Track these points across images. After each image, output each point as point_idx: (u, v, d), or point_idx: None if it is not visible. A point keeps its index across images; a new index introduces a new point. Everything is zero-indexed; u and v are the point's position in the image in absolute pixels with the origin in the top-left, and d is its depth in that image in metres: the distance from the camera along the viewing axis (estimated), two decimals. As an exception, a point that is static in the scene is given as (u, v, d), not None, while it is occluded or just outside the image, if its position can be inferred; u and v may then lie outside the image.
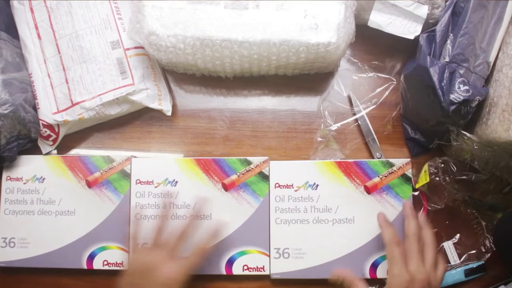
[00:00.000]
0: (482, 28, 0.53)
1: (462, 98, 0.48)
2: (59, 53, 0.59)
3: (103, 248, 0.59)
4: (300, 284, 0.59)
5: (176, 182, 0.59)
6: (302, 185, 0.58)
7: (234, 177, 0.59)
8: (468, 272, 0.60)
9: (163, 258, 0.52)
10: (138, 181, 0.60)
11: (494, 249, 0.60)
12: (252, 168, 0.59)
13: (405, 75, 0.59)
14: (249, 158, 0.59)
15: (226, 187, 0.59)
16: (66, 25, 0.59)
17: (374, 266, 0.57)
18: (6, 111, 0.54)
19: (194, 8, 0.54)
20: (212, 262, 0.58)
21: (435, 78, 0.50)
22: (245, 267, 0.58)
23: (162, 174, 0.59)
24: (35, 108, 0.60)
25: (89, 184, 0.60)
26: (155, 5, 0.54)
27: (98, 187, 0.60)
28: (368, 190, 0.58)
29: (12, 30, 0.61)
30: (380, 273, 0.57)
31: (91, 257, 0.59)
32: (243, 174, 0.59)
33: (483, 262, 0.60)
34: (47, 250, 0.59)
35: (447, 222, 0.62)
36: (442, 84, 0.50)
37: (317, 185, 0.58)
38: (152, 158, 0.62)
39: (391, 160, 0.59)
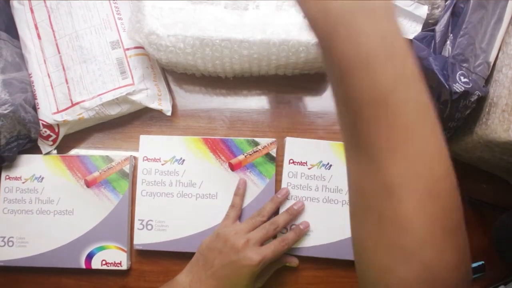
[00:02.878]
0: (482, 28, 0.53)
1: (463, 89, 0.48)
2: (59, 53, 0.60)
3: (101, 248, 0.59)
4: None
5: (183, 160, 0.60)
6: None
7: (241, 157, 0.59)
8: (468, 272, 0.59)
9: (253, 241, 0.53)
10: (145, 158, 0.60)
11: (494, 249, 0.60)
12: (260, 150, 0.60)
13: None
14: (256, 139, 0.60)
15: (232, 167, 0.59)
16: (66, 25, 0.59)
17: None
18: (6, 111, 0.54)
19: (194, 8, 0.54)
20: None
21: (436, 66, 0.50)
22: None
23: (170, 152, 0.60)
24: (35, 108, 0.60)
25: (88, 184, 0.60)
26: (155, 4, 0.54)
27: (97, 187, 0.60)
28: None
29: (12, 30, 0.61)
30: None
31: (90, 257, 0.59)
32: (250, 155, 0.59)
33: (483, 262, 0.60)
34: (46, 250, 0.59)
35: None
36: (444, 72, 0.50)
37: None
38: (160, 136, 0.62)
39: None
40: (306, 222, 0.58)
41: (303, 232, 0.57)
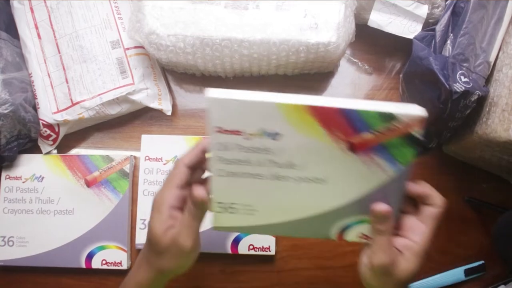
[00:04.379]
0: (482, 28, 0.53)
1: (463, 88, 0.48)
2: (59, 52, 0.60)
3: (101, 248, 0.59)
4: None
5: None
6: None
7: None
8: (468, 272, 0.59)
9: None
10: (147, 158, 0.61)
11: (494, 249, 0.60)
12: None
13: (404, 73, 0.59)
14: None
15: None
16: (66, 24, 0.59)
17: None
18: (6, 111, 0.54)
19: (194, 7, 0.54)
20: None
21: (436, 66, 0.50)
22: None
23: (171, 152, 0.60)
24: (35, 107, 0.60)
25: (88, 184, 0.60)
26: (155, 4, 0.54)
27: (97, 187, 0.60)
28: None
29: (12, 30, 0.61)
30: None
31: (90, 257, 0.59)
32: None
33: (483, 262, 0.60)
34: (46, 249, 0.59)
35: (446, 222, 0.62)
36: (444, 72, 0.50)
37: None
38: (161, 136, 0.62)
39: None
40: None
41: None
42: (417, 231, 0.41)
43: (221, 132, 0.39)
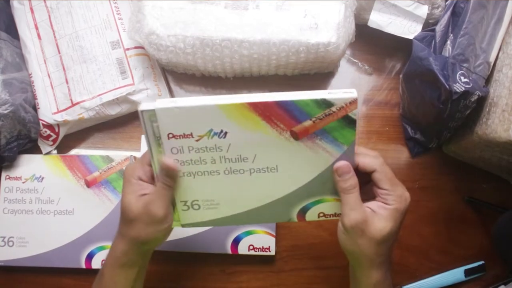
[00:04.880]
0: (482, 28, 0.53)
1: (463, 89, 0.48)
2: (59, 53, 0.60)
3: (101, 248, 0.59)
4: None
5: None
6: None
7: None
8: (468, 272, 0.59)
9: None
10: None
11: (494, 249, 0.60)
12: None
13: (404, 73, 0.59)
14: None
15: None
16: (66, 25, 0.59)
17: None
18: (6, 111, 0.54)
19: (194, 8, 0.54)
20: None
21: (436, 66, 0.50)
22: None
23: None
24: (35, 108, 0.60)
25: (88, 184, 0.60)
26: (155, 4, 0.54)
27: (97, 187, 0.60)
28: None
29: (12, 30, 0.61)
30: None
31: (90, 257, 0.59)
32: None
33: (483, 262, 0.60)
34: (46, 250, 0.59)
35: (446, 222, 0.62)
36: (444, 72, 0.50)
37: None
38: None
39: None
40: None
41: None
42: (383, 195, 0.42)
43: (173, 138, 0.42)
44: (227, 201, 0.46)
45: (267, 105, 0.41)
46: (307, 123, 0.42)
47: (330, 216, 0.47)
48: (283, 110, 0.41)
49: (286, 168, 0.45)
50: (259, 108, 0.41)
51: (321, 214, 0.48)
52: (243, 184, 0.45)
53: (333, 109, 0.41)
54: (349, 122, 0.42)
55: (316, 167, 0.45)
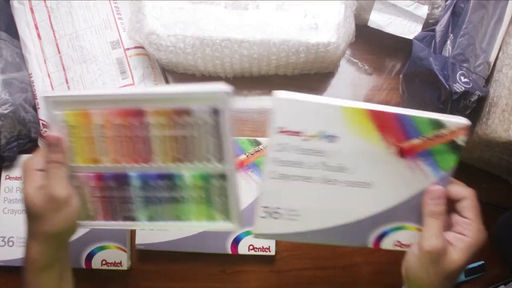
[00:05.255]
0: (482, 28, 0.53)
1: (463, 89, 0.48)
2: (59, 53, 0.59)
3: (101, 248, 0.59)
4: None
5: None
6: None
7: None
8: (468, 272, 0.59)
9: None
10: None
11: (494, 249, 0.60)
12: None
13: (404, 73, 0.59)
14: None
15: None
16: (66, 25, 0.59)
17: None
18: (6, 111, 0.54)
19: (194, 8, 0.54)
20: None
21: (436, 66, 0.50)
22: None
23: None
24: (35, 108, 0.60)
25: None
26: (155, 4, 0.54)
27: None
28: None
29: (12, 30, 0.61)
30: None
31: (90, 257, 0.59)
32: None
33: (483, 262, 0.60)
34: (46, 250, 0.59)
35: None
36: (444, 72, 0.50)
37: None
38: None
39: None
40: None
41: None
42: (464, 225, 0.41)
43: (282, 133, 0.40)
44: (310, 213, 0.43)
45: (386, 116, 0.41)
46: (416, 141, 0.42)
47: (405, 247, 0.45)
48: (399, 123, 0.41)
49: (381, 186, 0.43)
50: (378, 117, 0.41)
51: (397, 243, 0.46)
52: (333, 197, 0.43)
53: (444, 131, 0.42)
54: (454, 147, 0.42)
55: (409, 189, 0.44)
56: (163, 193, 0.45)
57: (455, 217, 0.42)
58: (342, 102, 0.40)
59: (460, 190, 0.42)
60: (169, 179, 0.44)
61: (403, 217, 0.44)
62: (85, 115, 0.42)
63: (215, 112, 0.41)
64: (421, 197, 0.43)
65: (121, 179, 0.45)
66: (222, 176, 0.43)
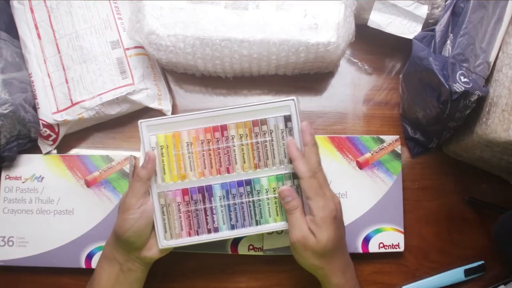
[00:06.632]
0: (482, 28, 0.53)
1: (463, 88, 0.48)
2: (59, 53, 0.59)
3: (101, 248, 0.58)
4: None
5: None
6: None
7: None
8: (468, 272, 0.59)
9: None
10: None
11: (494, 249, 0.60)
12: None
13: (404, 73, 0.59)
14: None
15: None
16: (66, 25, 0.59)
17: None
18: (6, 111, 0.54)
19: (194, 7, 0.54)
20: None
21: (436, 66, 0.50)
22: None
23: None
24: (35, 108, 0.60)
25: (88, 184, 0.60)
26: (155, 4, 0.54)
27: (97, 187, 0.60)
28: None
29: (12, 30, 0.61)
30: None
31: (90, 257, 0.59)
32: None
33: (483, 262, 0.60)
34: (46, 249, 0.59)
35: (446, 222, 0.62)
36: (444, 72, 0.50)
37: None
38: None
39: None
40: None
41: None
42: (310, 206, 0.46)
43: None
44: None
45: (340, 139, 0.59)
46: (368, 155, 0.59)
47: (389, 248, 0.56)
48: (351, 143, 0.59)
49: (353, 195, 0.57)
50: (335, 141, 0.59)
51: (381, 245, 0.58)
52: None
53: (385, 144, 0.60)
54: (396, 155, 0.60)
55: (375, 195, 0.57)
56: (243, 199, 0.50)
57: (304, 200, 0.48)
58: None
59: (298, 167, 0.47)
60: (248, 184, 0.50)
61: (377, 220, 0.54)
62: (175, 135, 0.49)
63: (287, 118, 0.49)
64: (385, 200, 0.57)
65: (206, 191, 0.50)
66: (294, 175, 0.50)
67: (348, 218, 0.58)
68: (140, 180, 0.48)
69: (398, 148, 0.60)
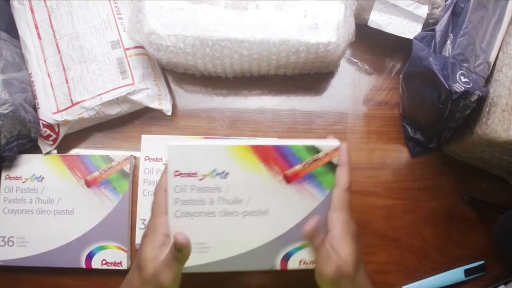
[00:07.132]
0: (482, 28, 0.53)
1: (463, 88, 0.48)
2: (59, 53, 0.59)
3: (101, 248, 0.59)
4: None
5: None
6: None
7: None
8: (468, 272, 0.59)
9: None
10: (146, 158, 0.61)
11: (494, 249, 0.60)
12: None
13: (404, 73, 0.59)
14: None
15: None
16: (66, 25, 0.59)
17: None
18: (6, 111, 0.54)
19: (194, 7, 0.54)
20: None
21: (436, 66, 0.50)
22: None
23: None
24: (35, 108, 0.60)
25: (88, 184, 0.60)
26: (155, 4, 0.54)
27: (97, 187, 0.60)
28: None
29: (12, 30, 0.61)
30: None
31: (90, 257, 0.59)
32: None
33: (483, 262, 0.60)
34: (46, 249, 0.59)
35: (446, 222, 0.62)
36: (444, 72, 0.50)
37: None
38: (161, 136, 0.61)
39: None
40: None
41: None
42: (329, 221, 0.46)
43: (179, 176, 0.46)
44: (218, 244, 0.48)
45: (266, 148, 0.47)
46: (298, 167, 0.48)
47: (310, 264, 0.50)
48: (279, 153, 0.47)
49: (276, 212, 0.48)
50: (259, 151, 0.47)
51: (302, 261, 0.50)
52: (236, 227, 0.48)
53: (320, 154, 0.47)
54: (331, 168, 0.48)
55: (301, 212, 0.48)
56: None
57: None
58: (226, 142, 0.46)
59: (338, 177, 0.46)
60: None
61: (302, 236, 0.48)
62: None
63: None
64: (314, 214, 0.49)
65: None
66: None
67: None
68: (179, 262, 0.45)
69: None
